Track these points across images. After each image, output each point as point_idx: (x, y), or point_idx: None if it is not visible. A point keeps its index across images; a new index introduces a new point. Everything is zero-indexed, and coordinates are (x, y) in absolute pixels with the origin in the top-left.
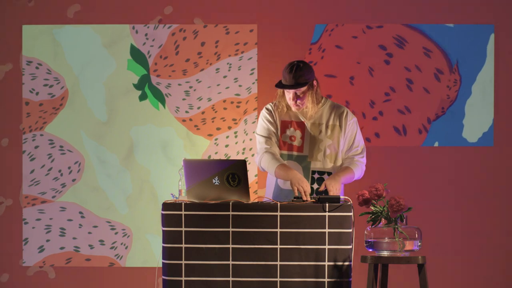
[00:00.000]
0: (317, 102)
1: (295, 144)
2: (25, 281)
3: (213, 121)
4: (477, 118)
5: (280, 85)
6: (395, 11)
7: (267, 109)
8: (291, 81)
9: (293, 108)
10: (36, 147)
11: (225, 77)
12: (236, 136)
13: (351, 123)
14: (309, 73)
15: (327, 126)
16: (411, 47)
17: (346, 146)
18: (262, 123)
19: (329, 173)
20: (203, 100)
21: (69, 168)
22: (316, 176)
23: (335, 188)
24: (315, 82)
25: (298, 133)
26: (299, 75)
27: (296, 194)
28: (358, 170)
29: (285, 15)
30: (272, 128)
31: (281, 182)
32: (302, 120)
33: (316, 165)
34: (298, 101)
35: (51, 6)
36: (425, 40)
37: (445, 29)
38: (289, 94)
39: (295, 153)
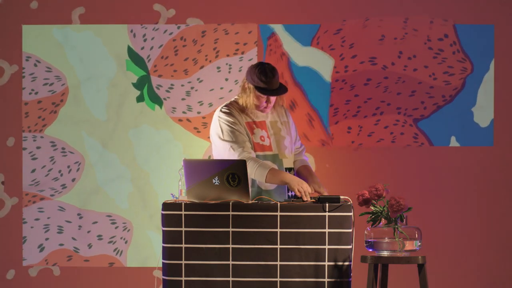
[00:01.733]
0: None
1: (265, 144)
2: (27, 280)
3: None
4: (479, 116)
5: (266, 91)
6: (397, 5)
7: (225, 112)
8: (277, 85)
9: (265, 110)
10: (38, 147)
11: (226, 79)
12: None
13: (291, 117)
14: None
15: (281, 123)
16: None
17: (294, 141)
18: (227, 128)
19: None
20: (204, 105)
21: (68, 167)
22: None
23: (323, 189)
24: None
25: (264, 133)
26: (278, 79)
27: (298, 194)
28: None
29: (285, 15)
30: (240, 130)
31: (261, 183)
32: (263, 119)
33: (286, 162)
34: (271, 103)
35: (52, 7)
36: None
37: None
38: (264, 97)
39: (268, 152)
